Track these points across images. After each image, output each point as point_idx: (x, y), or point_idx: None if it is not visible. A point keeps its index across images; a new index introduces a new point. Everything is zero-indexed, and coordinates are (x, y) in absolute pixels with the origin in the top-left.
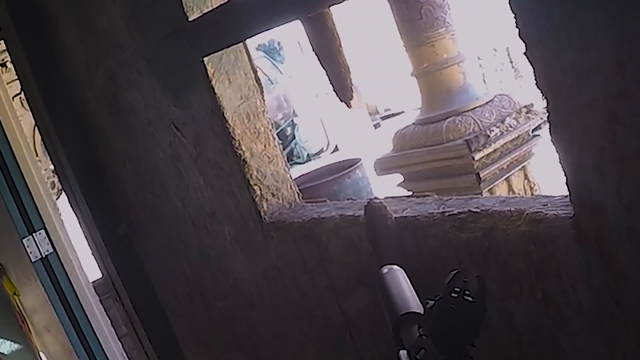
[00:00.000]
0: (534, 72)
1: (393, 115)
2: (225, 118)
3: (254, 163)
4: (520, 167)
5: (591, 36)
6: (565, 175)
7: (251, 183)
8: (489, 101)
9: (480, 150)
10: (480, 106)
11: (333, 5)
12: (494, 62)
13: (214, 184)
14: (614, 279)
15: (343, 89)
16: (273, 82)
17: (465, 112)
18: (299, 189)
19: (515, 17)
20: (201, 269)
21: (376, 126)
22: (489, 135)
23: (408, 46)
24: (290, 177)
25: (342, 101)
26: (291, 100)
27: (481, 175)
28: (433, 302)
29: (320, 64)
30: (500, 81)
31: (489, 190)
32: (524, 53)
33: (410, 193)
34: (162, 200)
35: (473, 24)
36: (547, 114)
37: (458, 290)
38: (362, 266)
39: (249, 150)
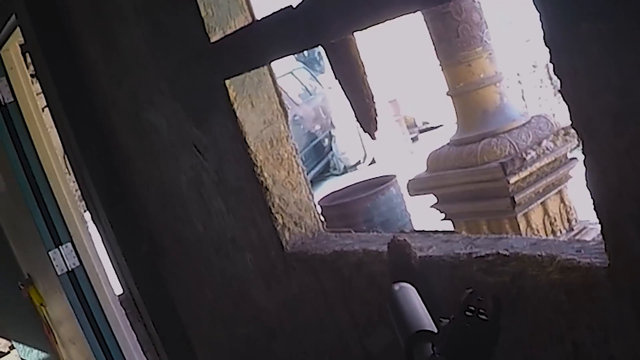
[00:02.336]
0: (569, 111)
1: (431, 128)
2: (247, 143)
3: (276, 190)
4: (556, 190)
5: (631, 77)
6: (600, 222)
7: (273, 211)
8: (526, 123)
9: (516, 173)
10: (516, 128)
11: (357, 31)
12: (533, 78)
13: (235, 210)
14: None
15: (367, 120)
16: (312, 93)
17: (501, 133)
18: (333, 205)
19: (550, 52)
20: (223, 295)
21: (414, 139)
22: (525, 158)
23: (444, 65)
24: (314, 204)
25: (365, 132)
26: (330, 112)
27: (516, 199)
28: (447, 320)
29: (344, 92)
30: (539, 98)
31: (524, 214)
32: (559, 90)
33: (444, 216)
34: (185, 224)
35: (512, 40)
36: (583, 157)
37: (473, 309)
38: (384, 303)
39: (272, 177)
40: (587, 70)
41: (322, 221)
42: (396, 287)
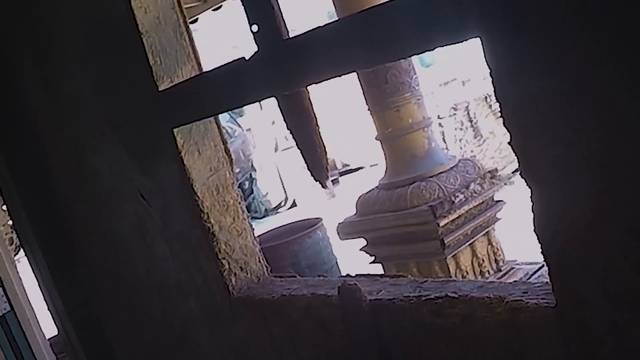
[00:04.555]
0: (519, 162)
1: (352, 170)
2: (194, 190)
3: (222, 236)
4: (484, 232)
5: (579, 130)
6: (547, 265)
7: (219, 257)
8: (454, 166)
9: (445, 216)
10: (445, 171)
11: (313, 84)
12: (453, 121)
13: (180, 255)
14: None
15: (318, 169)
16: (231, 136)
17: (430, 177)
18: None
19: (500, 106)
20: (164, 340)
21: (334, 182)
22: (453, 201)
23: (373, 110)
24: (260, 250)
25: (316, 180)
26: (250, 154)
27: (445, 242)
28: None
29: (295, 142)
30: (460, 140)
31: (453, 256)
32: (509, 143)
33: (373, 258)
34: (126, 268)
35: (430, 83)
36: (531, 204)
37: None
38: (334, 347)
39: (218, 223)
40: (537, 125)
41: (266, 266)
42: None
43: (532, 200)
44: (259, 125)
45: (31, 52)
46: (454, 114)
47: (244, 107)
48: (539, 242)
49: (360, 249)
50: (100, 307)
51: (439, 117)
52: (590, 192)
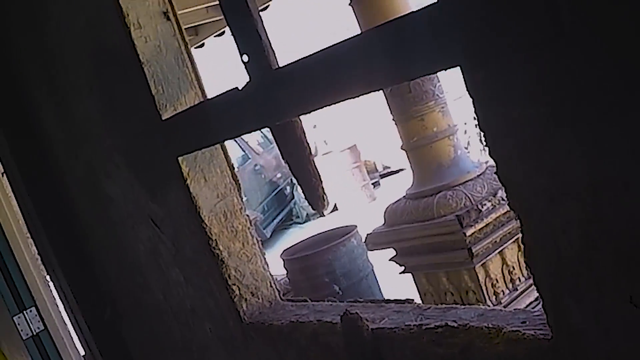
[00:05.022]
0: (506, 192)
1: (393, 172)
2: (201, 217)
3: (231, 262)
4: (513, 239)
5: (563, 159)
6: (541, 297)
7: (229, 283)
8: (481, 174)
9: (472, 225)
10: (471, 179)
11: (303, 114)
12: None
13: (193, 281)
14: None
15: (315, 199)
16: (272, 142)
17: (456, 186)
18: (295, 258)
19: (484, 135)
20: None
21: (375, 184)
22: (480, 210)
23: (397, 120)
24: (270, 275)
25: (314, 209)
26: None
27: (473, 250)
28: None
29: (292, 172)
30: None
31: (482, 264)
32: (495, 173)
33: (403, 268)
34: (145, 291)
35: (460, 88)
36: (521, 235)
37: None
38: None
39: (227, 249)
40: (520, 153)
41: (278, 290)
42: None
43: (521, 232)
44: None
45: (45, 80)
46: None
47: None
48: (531, 273)
49: (390, 259)
50: (123, 328)
51: (465, 124)
52: (577, 221)
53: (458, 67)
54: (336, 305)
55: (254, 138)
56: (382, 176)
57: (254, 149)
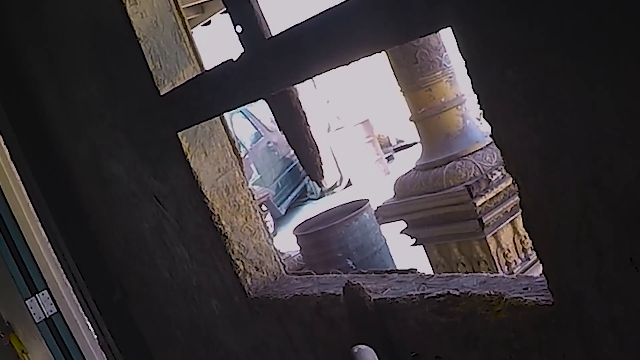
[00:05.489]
0: (502, 155)
1: (407, 146)
2: (203, 192)
3: (235, 237)
4: None
5: (560, 119)
6: (541, 262)
7: (233, 257)
8: (490, 143)
9: (482, 195)
10: (480, 149)
11: (296, 83)
12: None
13: (198, 257)
14: None
15: (312, 168)
16: None
17: (465, 156)
18: (307, 233)
19: (478, 98)
20: (193, 339)
21: (389, 159)
22: (490, 180)
23: (405, 90)
24: (274, 249)
25: (312, 180)
26: None
27: (484, 220)
28: None
29: (288, 142)
30: None
31: (493, 234)
32: (491, 135)
33: (414, 241)
34: (151, 270)
35: None
36: (519, 199)
37: None
38: (346, 346)
39: (230, 224)
40: (515, 114)
41: (283, 264)
42: (355, 349)
43: (519, 195)
44: (313, 104)
45: (44, 59)
46: None
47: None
48: (531, 238)
49: (401, 232)
50: (132, 308)
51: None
52: (576, 183)
53: (449, 28)
54: (340, 277)
55: (266, 115)
56: (396, 150)
57: (267, 127)
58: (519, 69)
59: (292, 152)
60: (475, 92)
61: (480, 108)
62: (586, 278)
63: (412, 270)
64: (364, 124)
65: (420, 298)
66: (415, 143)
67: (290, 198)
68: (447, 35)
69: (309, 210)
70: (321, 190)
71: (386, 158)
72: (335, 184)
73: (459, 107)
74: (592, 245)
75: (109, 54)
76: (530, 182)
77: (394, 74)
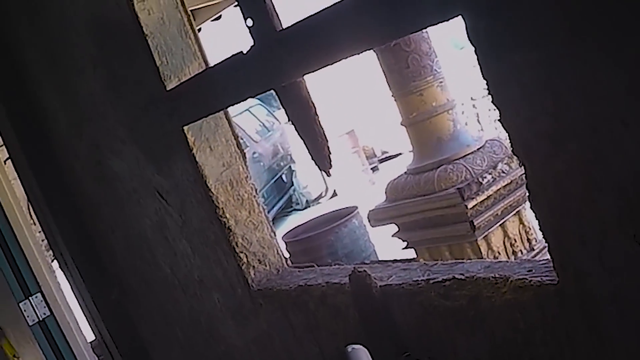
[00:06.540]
0: (509, 139)
1: (391, 157)
2: (207, 186)
3: (238, 230)
4: (515, 212)
5: (564, 101)
6: (547, 241)
7: (237, 251)
8: (480, 147)
9: (473, 198)
10: (471, 153)
11: (307, 73)
12: (487, 102)
13: (200, 251)
14: (600, 345)
15: (321, 158)
16: (269, 129)
17: (456, 159)
18: (297, 240)
19: (487, 83)
20: (193, 335)
21: (374, 169)
22: (481, 183)
23: (396, 95)
24: (277, 242)
25: (321, 170)
26: (288, 147)
27: (475, 223)
28: None
29: (297, 132)
30: (495, 120)
31: (484, 237)
32: (499, 120)
33: (406, 244)
34: (152, 267)
35: (464, 64)
36: (525, 181)
37: None
38: (350, 334)
39: (234, 217)
40: (523, 98)
41: (285, 257)
42: (349, 348)
43: (525, 177)
44: None
45: (45, 57)
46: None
47: None
48: (537, 218)
49: (393, 235)
50: (131, 306)
51: (472, 99)
52: (580, 163)
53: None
54: (343, 267)
55: (252, 126)
56: (381, 161)
57: (251, 137)
58: (526, 54)
59: (277, 162)
60: (484, 78)
61: (489, 93)
62: (590, 255)
63: (415, 259)
64: (349, 134)
65: (425, 283)
66: (399, 154)
67: (275, 208)
68: (437, 41)
69: (295, 221)
70: (306, 201)
71: (371, 169)
72: (321, 194)
73: (449, 112)
74: (596, 222)
75: (113, 50)
76: (535, 164)
77: (386, 79)
